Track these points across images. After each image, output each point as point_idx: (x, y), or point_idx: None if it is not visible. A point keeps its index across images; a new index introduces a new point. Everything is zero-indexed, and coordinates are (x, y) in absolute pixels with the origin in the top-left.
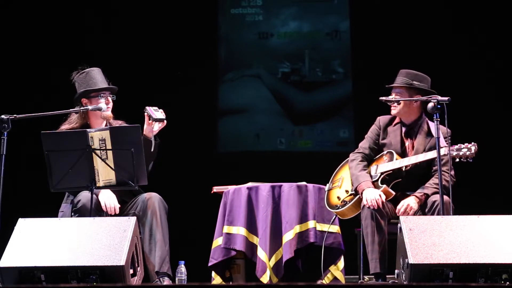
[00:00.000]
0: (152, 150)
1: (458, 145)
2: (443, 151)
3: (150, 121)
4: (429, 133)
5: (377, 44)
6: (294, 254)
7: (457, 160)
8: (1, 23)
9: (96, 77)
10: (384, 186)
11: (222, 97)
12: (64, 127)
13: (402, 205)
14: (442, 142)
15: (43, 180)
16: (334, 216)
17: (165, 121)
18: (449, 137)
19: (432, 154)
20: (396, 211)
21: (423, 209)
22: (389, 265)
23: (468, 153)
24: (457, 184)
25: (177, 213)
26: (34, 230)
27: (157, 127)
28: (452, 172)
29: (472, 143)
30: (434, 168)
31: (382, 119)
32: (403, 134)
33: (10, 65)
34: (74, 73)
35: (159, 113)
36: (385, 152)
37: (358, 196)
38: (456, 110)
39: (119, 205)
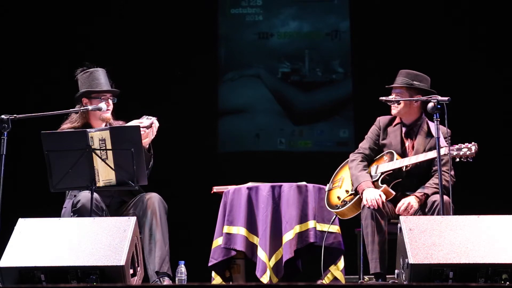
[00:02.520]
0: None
1: (459, 145)
2: (443, 151)
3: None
4: (429, 133)
5: (377, 44)
6: (294, 254)
7: (457, 160)
8: (2, 23)
9: (100, 78)
10: (384, 186)
11: (222, 97)
12: (66, 126)
13: (402, 203)
14: (442, 142)
15: (43, 180)
16: (334, 216)
17: (145, 129)
18: (449, 137)
19: (432, 154)
20: (396, 209)
21: (423, 209)
22: (389, 265)
23: (468, 152)
24: (457, 184)
25: (177, 213)
26: (34, 230)
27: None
28: (452, 172)
29: (472, 143)
30: (434, 168)
31: (382, 120)
32: (403, 135)
33: (10, 65)
34: (78, 70)
35: (145, 120)
36: (385, 152)
37: (358, 196)
38: (456, 110)
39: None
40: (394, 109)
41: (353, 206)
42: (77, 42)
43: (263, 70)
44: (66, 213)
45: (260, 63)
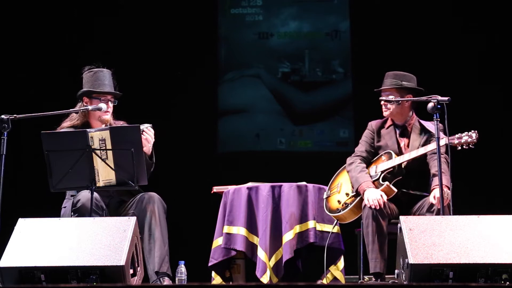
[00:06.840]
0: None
1: (459, 134)
2: (444, 141)
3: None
4: (422, 130)
5: (377, 44)
6: (294, 254)
7: (459, 148)
8: (2, 23)
9: (103, 79)
10: (386, 183)
11: (222, 97)
12: (66, 124)
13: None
14: (441, 134)
15: (43, 180)
16: (336, 221)
17: (144, 135)
18: (443, 131)
19: (432, 146)
20: (435, 203)
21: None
22: (389, 265)
23: (469, 140)
24: (457, 184)
25: (177, 213)
26: (34, 230)
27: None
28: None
29: (472, 130)
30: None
31: (374, 124)
32: (397, 135)
33: (10, 65)
34: (85, 68)
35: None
36: (383, 153)
37: (359, 197)
38: (456, 110)
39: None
40: (387, 111)
41: (354, 208)
42: (77, 42)
43: (263, 70)
44: (66, 213)
45: (260, 63)
